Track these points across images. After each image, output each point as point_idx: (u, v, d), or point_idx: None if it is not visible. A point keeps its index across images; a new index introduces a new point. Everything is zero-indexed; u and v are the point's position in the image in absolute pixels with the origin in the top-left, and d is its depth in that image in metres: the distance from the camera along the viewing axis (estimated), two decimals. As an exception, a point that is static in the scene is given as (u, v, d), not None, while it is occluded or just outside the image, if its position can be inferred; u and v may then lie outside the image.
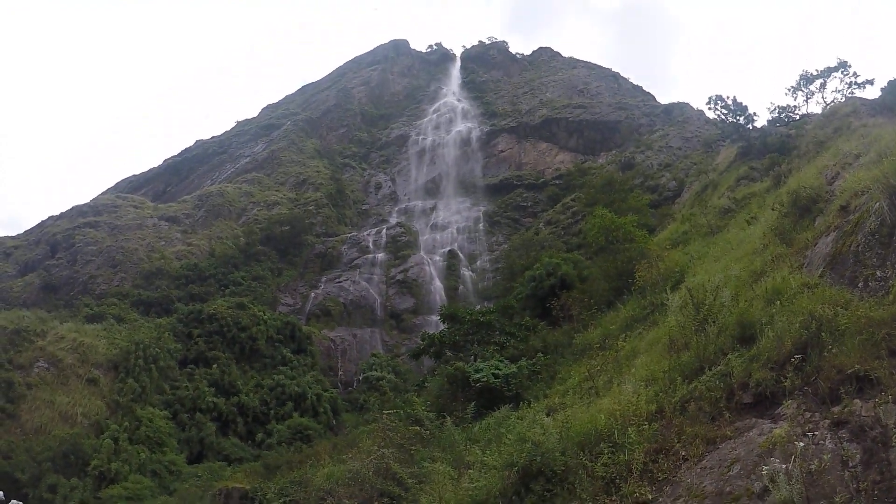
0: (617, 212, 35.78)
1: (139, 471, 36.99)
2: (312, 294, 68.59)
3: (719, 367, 7.89)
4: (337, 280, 70.53)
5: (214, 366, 50.17)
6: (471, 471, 10.08)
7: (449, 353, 28.89)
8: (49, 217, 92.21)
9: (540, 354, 22.13)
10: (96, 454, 37.08)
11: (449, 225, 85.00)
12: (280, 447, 39.74)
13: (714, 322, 9.38)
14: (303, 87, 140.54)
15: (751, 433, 6.30)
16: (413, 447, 13.03)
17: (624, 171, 77.09)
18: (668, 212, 50.57)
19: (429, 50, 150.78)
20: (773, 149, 34.56)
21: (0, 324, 45.14)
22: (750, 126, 42.08)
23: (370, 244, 77.21)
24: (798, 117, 39.83)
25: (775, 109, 41.07)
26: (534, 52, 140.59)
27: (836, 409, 5.72)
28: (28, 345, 43.98)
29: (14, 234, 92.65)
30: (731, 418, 6.82)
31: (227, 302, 58.52)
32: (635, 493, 6.37)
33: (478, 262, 75.06)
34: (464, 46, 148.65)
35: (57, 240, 73.58)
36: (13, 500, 32.19)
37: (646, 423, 7.59)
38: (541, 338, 25.44)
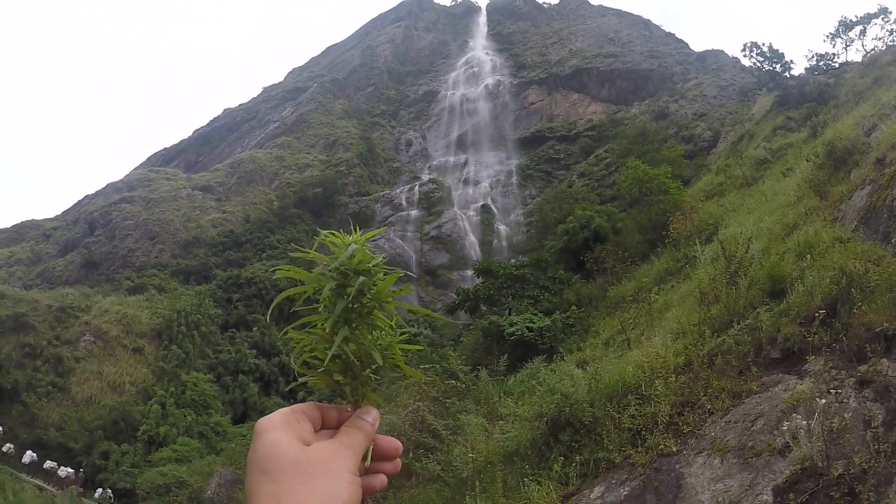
0: (651, 163, 35.24)
1: (186, 433, 38.39)
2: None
3: (748, 321, 7.87)
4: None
5: (255, 328, 51.46)
6: (502, 422, 10.31)
7: (484, 308, 29.07)
8: (85, 196, 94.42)
9: (574, 307, 22.16)
10: (145, 420, 38.70)
11: (481, 180, 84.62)
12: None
13: (745, 275, 9.33)
14: (327, 48, 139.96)
15: (776, 388, 6.31)
16: (448, 400, 13.25)
17: (657, 121, 75.50)
18: (703, 162, 49.61)
19: (453, 3, 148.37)
20: (811, 98, 33.49)
21: (45, 302, 46.75)
22: (787, 74, 40.77)
23: (403, 201, 77.47)
24: (837, 65, 38.46)
25: (813, 57, 39.71)
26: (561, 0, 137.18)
27: (862, 367, 5.68)
28: (74, 320, 45.61)
29: (52, 215, 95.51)
30: (757, 373, 6.83)
31: (265, 266, 59.56)
32: (660, 444, 6.47)
33: (511, 216, 74.84)
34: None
35: (94, 217, 75.39)
36: (28, 453, 33.75)
37: (673, 375, 7.64)
38: (574, 291, 25.39)
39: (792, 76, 40.30)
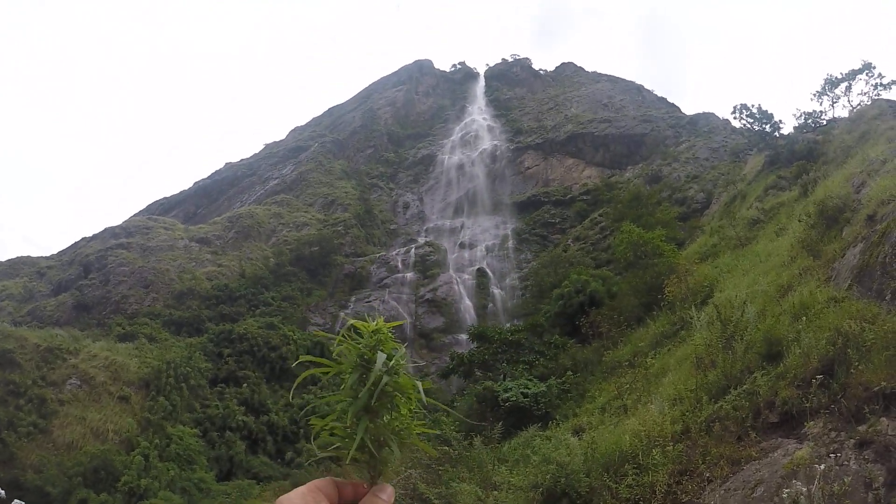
0: (645, 226, 35.44)
1: (169, 488, 37.26)
2: (342, 314, 68.89)
3: (745, 386, 7.72)
4: (366, 300, 70.81)
5: (244, 385, 50.63)
6: (496, 491, 10.00)
7: (478, 373, 28.83)
8: (82, 238, 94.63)
9: (569, 372, 21.96)
10: (127, 470, 37.48)
11: (477, 243, 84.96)
12: (310, 466, 39.74)
13: (741, 339, 9.21)
14: (329, 109, 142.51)
15: (776, 454, 6.12)
16: (441, 467, 12.95)
17: (651, 184, 76.53)
18: (696, 224, 50.03)
19: (453, 69, 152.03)
20: (801, 156, 34.07)
21: (34, 341, 46.06)
22: (776, 134, 41.63)
23: (399, 263, 77.53)
24: (825, 122, 39.31)
25: (801, 115, 40.65)
26: (557, 67, 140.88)
27: (861, 427, 5.53)
28: (61, 362, 44.85)
29: (48, 254, 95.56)
30: (756, 438, 6.65)
31: (258, 322, 59.13)
32: None
33: (507, 280, 74.76)
34: (487, 64, 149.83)
35: (90, 260, 75.21)
36: (16, 501, 32.86)
37: (671, 443, 7.45)
38: (570, 356, 25.21)
39: (781, 135, 41.11)
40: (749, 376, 7.96)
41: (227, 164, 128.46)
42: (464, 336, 57.14)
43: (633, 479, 7.11)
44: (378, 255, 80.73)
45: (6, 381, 40.74)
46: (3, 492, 32.94)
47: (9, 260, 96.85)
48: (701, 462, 6.73)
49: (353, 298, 71.80)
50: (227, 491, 37.80)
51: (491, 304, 70.52)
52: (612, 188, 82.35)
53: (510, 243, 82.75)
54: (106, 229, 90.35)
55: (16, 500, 32.88)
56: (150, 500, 35.11)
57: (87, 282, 69.93)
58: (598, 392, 17.62)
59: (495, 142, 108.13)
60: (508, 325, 41.39)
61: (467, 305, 69.79)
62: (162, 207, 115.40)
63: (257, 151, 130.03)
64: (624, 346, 21.12)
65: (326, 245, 78.50)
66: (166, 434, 41.85)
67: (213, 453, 43.01)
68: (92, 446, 38.58)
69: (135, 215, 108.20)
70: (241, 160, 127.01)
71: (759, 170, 41.35)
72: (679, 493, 6.50)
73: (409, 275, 74.99)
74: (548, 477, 7.93)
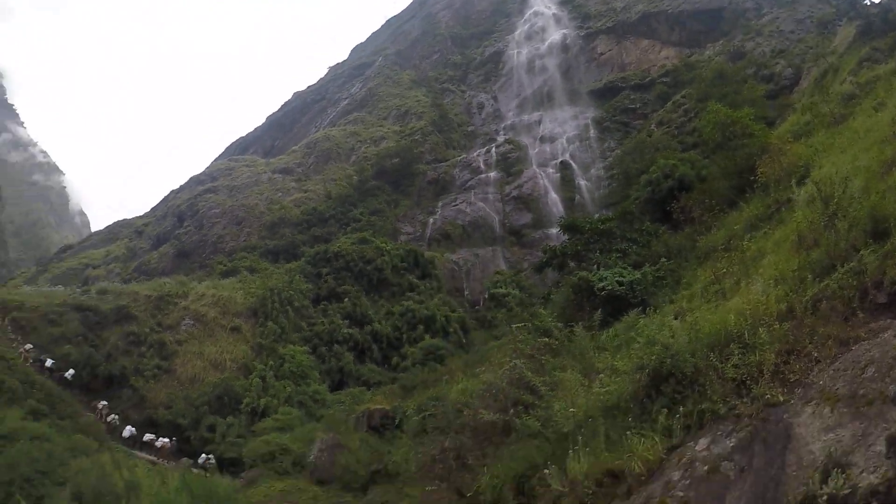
0: (731, 105, 33.91)
1: (287, 403, 40.13)
2: (431, 220, 70.10)
3: (851, 264, 7.62)
4: (453, 204, 71.53)
5: (346, 300, 53.04)
6: (601, 376, 10.40)
7: (572, 264, 28.95)
8: (170, 192, 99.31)
9: (663, 259, 21.77)
10: (247, 393, 40.80)
11: (557, 136, 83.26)
12: (414, 368, 41.88)
13: (844, 217, 9.01)
14: (387, 21, 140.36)
15: (886, 335, 6.15)
16: (543, 357, 13.33)
17: (734, 61, 72.06)
18: (786, 102, 47.33)
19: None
20: (896, 26, 31.23)
21: (144, 293, 49.48)
22: (867, 2, 38.05)
23: (481, 164, 77.40)
24: (920, -13, 35.63)
25: (895, -20, 36.94)
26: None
27: (974, 305, 5.49)
28: (172, 307, 48.20)
29: (140, 214, 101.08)
30: (864, 318, 6.66)
31: (350, 238, 61.06)
32: (766, 394, 6.42)
33: (591, 171, 73.48)
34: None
35: (182, 210, 78.94)
36: (127, 428, 36.02)
37: (776, 322, 7.54)
38: (663, 242, 24.89)
39: (873, 3, 37.70)
40: (855, 255, 7.87)
41: (295, 93, 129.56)
42: (553, 230, 57.29)
43: (739, 359, 7.25)
44: (459, 158, 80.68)
45: (127, 334, 44.15)
46: (133, 429, 36.47)
47: (107, 227, 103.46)
48: (808, 342, 6.84)
49: (439, 204, 72.70)
50: (340, 399, 40.36)
51: (578, 196, 69.86)
52: (692, 68, 78.05)
53: (591, 133, 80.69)
54: (191, 178, 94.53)
55: (127, 427, 36.47)
56: (271, 416, 37.96)
57: (183, 230, 73.59)
58: (694, 278, 17.52)
59: (563, 31, 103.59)
60: (598, 215, 41.05)
61: (554, 199, 69.46)
62: (240, 147, 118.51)
63: (322, 76, 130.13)
64: (717, 230, 20.70)
65: (406, 155, 78.99)
66: (279, 355, 44.75)
67: (324, 367, 45.79)
68: (213, 377, 41.85)
69: (216, 160, 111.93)
70: (309, 87, 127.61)
71: (851, 41, 38.36)
72: (787, 372, 6.67)
73: (493, 174, 74.93)
74: (653, 358, 8.15)
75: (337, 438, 26.55)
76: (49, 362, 39.00)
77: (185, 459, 32.48)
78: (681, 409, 7.29)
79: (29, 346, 40.37)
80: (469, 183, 74.31)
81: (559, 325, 15.26)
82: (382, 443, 24.82)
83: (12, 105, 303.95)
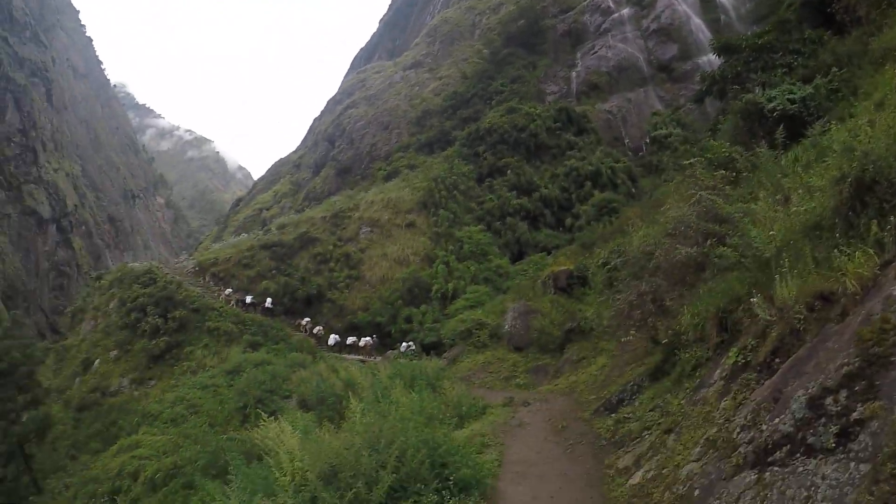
0: None
1: (473, 282, 41.84)
2: (573, 74, 67.46)
3: None
4: (592, 52, 68.09)
5: (508, 172, 53.33)
6: (795, 196, 9.79)
7: (734, 88, 26.89)
8: (313, 120, 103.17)
9: (834, 69, 19.52)
10: (434, 280, 42.74)
11: (687, -46, 74.66)
12: (589, 226, 41.79)
13: None
14: None
15: None
16: (725, 188, 12.74)
17: None
18: None
19: None
20: None
21: (320, 215, 52.72)
22: None
23: (610, 3, 72.26)
24: None
25: None
26: None
27: None
28: (348, 220, 50.98)
29: (292, 149, 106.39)
30: None
31: (497, 111, 60.53)
32: None
33: (732, -14, 65.79)
34: None
35: (329, 133, 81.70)
36: (332, 336, 39.10)
37: None
38: (830, 50, 22.13)
39: None
40: None
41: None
42: (704, 58, 53.38)
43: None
44: (585, 2, 75.63)
45: (313, 256, 47.56)
46: (336, 336, 39.75)
47: (267, 171, 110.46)
48: None
49: (577, 55, 69.62)
50: (523, 269, 41.47)
51: (722, 17, 63.64)
52: None
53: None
54: (328, 102, 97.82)
55: (331, 336, 39.72)
56: (460, 297, 39.79)
57: (337, 150, 76.41)
58: (873, 86, 15.52)
59: None
60: (750, 32, 36.99)
61: (697, 24, 63.85)
62: (363, 59, 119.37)
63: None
64: (890, 29, 17.96)
65: (530, 14, 75.65)
66: (456, 239, 46.46)
67: (501, 241, 46.96)
68: (399, 273, 44.12)
69: (345, 78, 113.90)
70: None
71: None
72: None
73: (625, 11, 70.02)
74: (853, 166, 7.53)
75: (527, 305, 27.52)
76: (248, 298, 43.37)
77: (389, 352, 35.00)
78: (891, 219, 6.74)
79: (228, 290, 45.21)
80: (603, 26, 69.89)
81: (739, 149, 14.39)
82: (572, 302, 25.46)
83: (144, 104, 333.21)
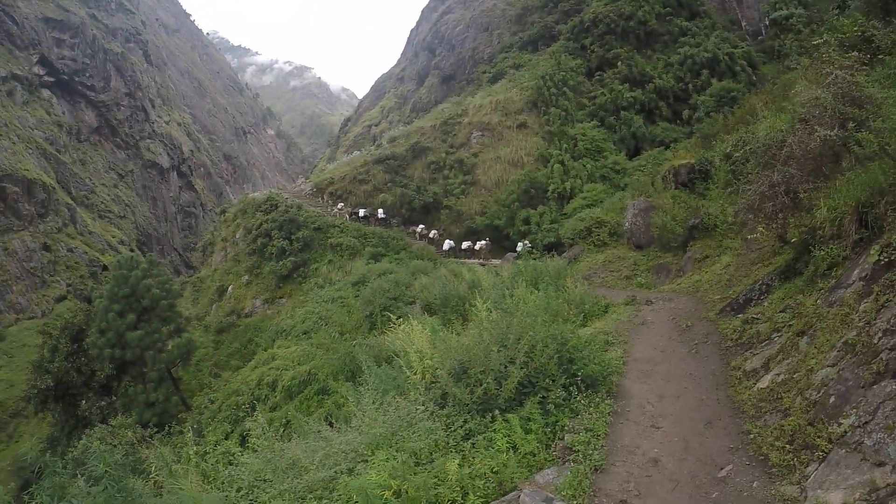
0: None
1: (589, 180, 41.13)
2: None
3: None
4: None
5: (618, 63, 51.00)
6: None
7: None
8: (410, 32, 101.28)
9: None
10: (549, 180, 42.20)
11: None
12: (709, 117, 39.54)
13: None
14: None
15: None
16: (860, 70, 11.56)
17: None
18: None
19: None
20: None
21: (429, 124, 52.86)
22: None
23: None
24: None
25: None
26: None
27: None
28: (459, 127, 50.80)
29: (393, 64, 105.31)
30: None
31: (602, 2, 57.40)
32: None
33: None
34: None
35: (429, 41, 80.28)
36: (447, 241, 39.45)
37: None
38: None
39: None
40: None
41: None
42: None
43: None
44: None
45: (427, 165, 48.10)
46: (451, 242, 40.09)
47: (371, 88, 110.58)
48: None
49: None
50: (640, 164, 40.21)
51: None
52: None
53: None
54: (423, 10, 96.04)
55: (446, 241, 40.15)
56: (577, 195, 39.19)
57: (438, 57, 75.33)
58: None
59: None
60: None
61: None
62: None
63: None
64: None
65: None
66: (570, 137, 45.40)
67: (616, 136, 45.52)
68: (514, 175, 43.85)
69: None
70: None
71: None
72: None
73: None
74: None
75: (647, 201, 26.76)
76: (361, 211, 44.81)
77: (509, 254, 35.45)
78: None
79: (340, 204, 46.84)
80: None
81: (877, 23, 13.01)
82: (694, 197, 24.57)
83: (240, 45, 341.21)
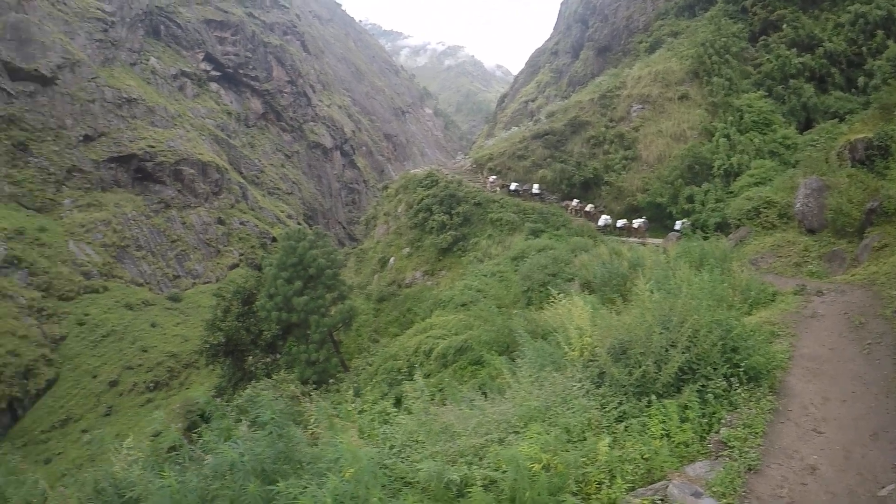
0: None
1: (757, 156, 38.67)
2: None
3: None
4: None
5: (783, 26, 47.28)
6: None
7: None
8: (560, 4, 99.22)
9: None
10: (714, 156, 40.22)
11: None
12: (887, 85, 35.28)
13: None
14: None
15: None
16: None
17: None
18: None
19: None
20: None
21: (587, 98, 52.04)
22: None
23: None
24: None
25: None
26: None
27: None
28: (616, 99, 49.88)
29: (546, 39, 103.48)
30: None
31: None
32: None
33: None
34: None
35: (580, 13, 78.93)
36: (603, 217, 38.29)
37: None
38: None
39: None
40: None
41: None
42: None
43: None
44: None
45: (586, 140, 47.76)
46: (608, 217, 39.43)
47: (525, 64, 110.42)
48: None
49: None
50: (812, 139, 37.41)
51: None
52: None
53: None
54: None
55: (602, 217, 39.29)
56: (745, 172, 37.04)
57: (591, 29, 74.05)
58: None
59: None
60: None
61: None
62: None
63: None
64: None
65: None
66: (735, 108, 42.99)
67: (785, 108, 42.55)
68: (677, 150, 42.39)
69: None
70: None
71: None
72: None
73: None
74: None
75: (821, 180, 24.82)
76: (513, 185, 45.16)
77: (671, 234, 34.55)
78: None
79: (493, 177, 47.40)
80: None
81: None
82: (873, 177, 22.38)
83: (392, 30, 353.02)
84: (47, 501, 6.24)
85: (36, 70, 77.32)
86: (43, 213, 70.98)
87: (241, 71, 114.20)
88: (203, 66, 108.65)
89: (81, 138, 79.52)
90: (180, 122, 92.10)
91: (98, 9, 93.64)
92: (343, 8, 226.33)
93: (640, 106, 47.59)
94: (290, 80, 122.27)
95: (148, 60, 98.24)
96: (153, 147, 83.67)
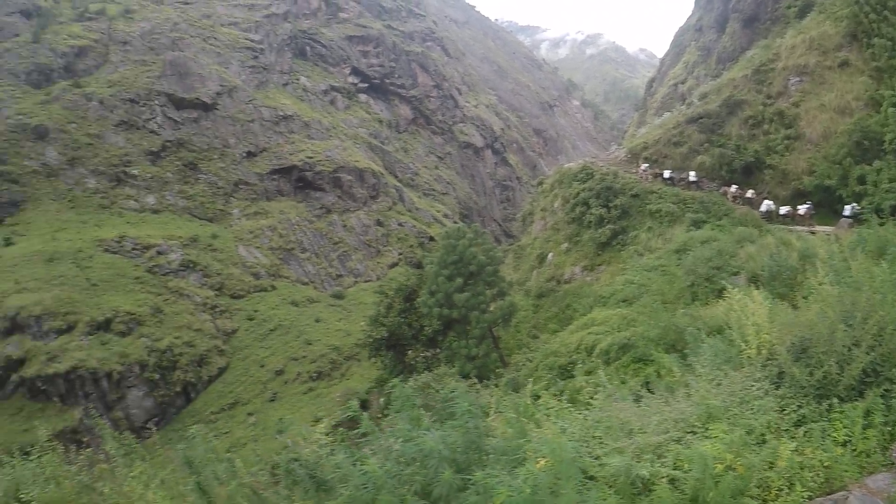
0: None
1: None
2: None
3: None
4: None
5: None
6: None
7: None
8: None
9: None
10: (885, 129, 35.79)
11: None
12: None
13: None
14: None
15: None
16: None
17: None
18: None
19: None
20: None
21: (740, 75, 48.44)
22: None
23: None
24: None
25: None
26: None
27: None
28: (772, 74, 45.73)
29: (687, 13, 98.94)
30: None
31: None
32: None
33: None
34: None
35: None
36: (765, 202, 35.63)
37: None
38: None
39: None
40: None
41: None
42: None
43: None
44: None
45: (744, 120, 44.50)
46: (770, 203, 36.64)
47: (670, 45, 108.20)
48: None
49: None
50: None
51: None
52: None
53: None
54: None
55: (764, 203, 36.48)
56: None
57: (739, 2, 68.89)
58: None
59: None
60: None
61: None
62: None
63: None
64: None
65: None
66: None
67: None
68: (842, 125, 38.41)
69: None
70: None
71: None
72: None
73: None
74: None
75: None
76: (666, 173, 43.32)
77: (843, 220, 31.75)
78: None
79: (644, 165, 45.65)
80: None
81: None
82: None
83: (528, 25, 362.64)
84: (237, 478, 6.57)
85: (197, 98, 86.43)
86: (214, 223, 78.31)
87: (387, 80, 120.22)
88: (350, 79, 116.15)
89: (245, 154, 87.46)
90: (335, 133, 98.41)
91: (246, 38, 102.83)
92: (477, 9, 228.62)
93: (798, 78, 43.52)
94: (436, 84, 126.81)
95: (298, 80, 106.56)
96: (312, 157, 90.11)
